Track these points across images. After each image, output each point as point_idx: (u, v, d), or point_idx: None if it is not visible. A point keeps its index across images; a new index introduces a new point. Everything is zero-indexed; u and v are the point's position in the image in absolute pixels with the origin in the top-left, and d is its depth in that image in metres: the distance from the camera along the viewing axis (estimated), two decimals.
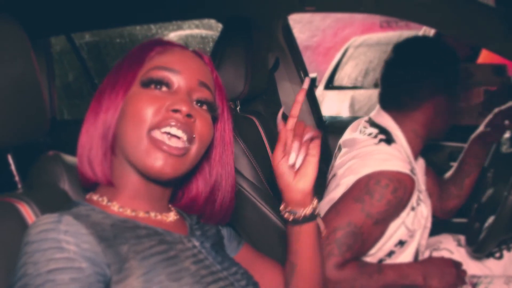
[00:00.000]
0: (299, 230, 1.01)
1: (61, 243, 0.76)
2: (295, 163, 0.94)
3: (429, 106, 1.50)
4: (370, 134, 1.52)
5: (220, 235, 1.10)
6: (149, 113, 0.87)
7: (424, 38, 1.67)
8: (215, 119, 1.00)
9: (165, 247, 0.88)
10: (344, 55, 5.79)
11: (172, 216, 1.00)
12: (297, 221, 0.99)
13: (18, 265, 0.77)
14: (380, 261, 1.51)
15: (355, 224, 1.35)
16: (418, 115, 1.51)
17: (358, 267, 1.38)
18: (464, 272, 1.48)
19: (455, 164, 1.84)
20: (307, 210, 0.99)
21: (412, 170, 1.43)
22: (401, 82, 1.51)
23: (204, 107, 0.94)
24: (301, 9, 2.13)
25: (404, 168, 1.40)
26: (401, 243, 1.50)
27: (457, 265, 1.48)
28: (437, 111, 1.51)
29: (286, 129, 0.95)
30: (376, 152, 1.45)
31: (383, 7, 1.99)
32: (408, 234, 1.49)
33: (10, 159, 1.03)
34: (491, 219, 1.49)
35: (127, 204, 0.94)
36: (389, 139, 1.49)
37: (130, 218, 0.91)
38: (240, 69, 1.69)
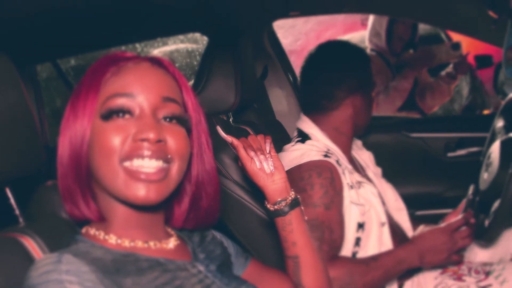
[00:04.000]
0: (290, 218, 1.06)
1: (64, 283, 0.74)
2: (262, 168, 1.06)
3: (347, 105, 1.61)
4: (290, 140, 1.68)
5: (227, 254, 1.07)
6: (116, 144, 0.83)
7: (335, 42, 1.73)
8: (189, 129, 0.96)
9: (169, 277, 0.86)
10: None
11: (172, 242, 0.96)
12: (287, 208, 1.05)
13: None
14: (354, 254, 1.52)
15: (311, 219, 1.38)
16: (338, 114, 1.63)
17: (349, 261, 1.44)
18: (460, 233, 1.49)
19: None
20: (292, 195, 1.07)
21: (326, 155, 1.51)
22: (318, 87, 1.64)
23: (174, 121, 0.90)
24: (285, 14, 2.13)
25: (316, 156, 1.49)
26: (360, 226, 1.51)
27: (448, 229, 1.50)
28: (356, 109, 1.62)
29: (236, 140, 1.08)
30: (292, 151, 1.57)
31: (366, 5, 2.00)
32: (361, 213, 1.51)
33: (8, 192, 1.01)
34: (495, 205, 1.50)
35: (124, 235, 0.91)
36: (304, 139, 1.61)
37: (130, 250, 0.88)
38: (230, 80, 1.68)
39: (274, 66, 2.31)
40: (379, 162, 1.89)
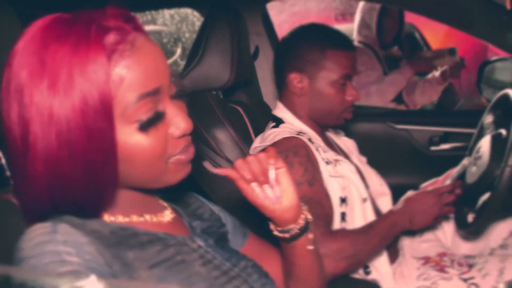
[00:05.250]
0: (295, 244, 0.97)
1: (62, 255, 0.67)
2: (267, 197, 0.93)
3: (286, 83, 1.62)
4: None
5: (224, 230, 1.04)
6: (161, 152, 0.78)
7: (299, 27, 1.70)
8: None
9: (171, 253, 0.82)
10: None
11: (168, 215, 0.92)
12: (294, 237, 0.96)
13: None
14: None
15: (299, 197, 1.38)
16: (284, 93, 1.66)
17: (350, 232, 1.43)
18: (447, 198, 1.50)
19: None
20: (300, 222, 0.96)
21: (298, 134, 1.53)
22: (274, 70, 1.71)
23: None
24: None
25: (289, 134, 1.52)
26: (343, 200, 1.52)
27: (435, 193, 1.50)
28: (292, 88, 1.60)
29: (232, 170, 0.92)
30: (267, 136, 1.57)
31: None
32: (341, 187, 1.51)
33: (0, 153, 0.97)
34: (482, 199, 1.51)
35: (119, 212, 0.84)
36: (277, 124, 1.63)
37: (125, 224, 0.83)
38: (226, 57, 1.64)
39: (265, 49, 2.27)
40: (363, 151, 1.90)
